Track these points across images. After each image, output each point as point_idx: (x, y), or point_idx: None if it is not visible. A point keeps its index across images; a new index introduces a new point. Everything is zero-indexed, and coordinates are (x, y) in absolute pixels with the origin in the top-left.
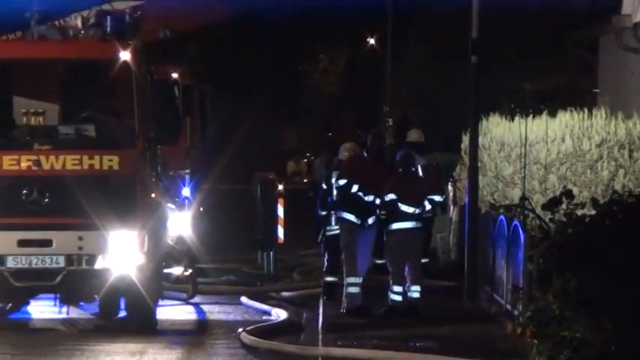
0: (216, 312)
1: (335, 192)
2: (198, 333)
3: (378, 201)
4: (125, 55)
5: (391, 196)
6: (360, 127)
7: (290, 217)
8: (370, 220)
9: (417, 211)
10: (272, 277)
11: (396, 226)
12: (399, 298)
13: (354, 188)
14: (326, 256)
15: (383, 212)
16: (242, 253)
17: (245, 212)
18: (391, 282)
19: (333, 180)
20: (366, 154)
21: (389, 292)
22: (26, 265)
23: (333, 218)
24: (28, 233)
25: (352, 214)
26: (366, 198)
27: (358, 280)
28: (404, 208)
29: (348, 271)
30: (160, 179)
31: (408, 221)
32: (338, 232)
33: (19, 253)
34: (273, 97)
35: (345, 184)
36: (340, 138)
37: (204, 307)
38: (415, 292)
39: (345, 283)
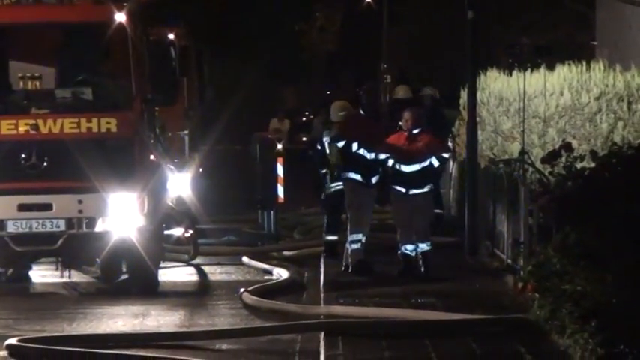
0: (217, 272)
1: (334, 153)
2: (200, 294)
3: (379, 157)
4: (120, 17)
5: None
6: (359, 85)
7: (289, 177)
8: (374, 180)
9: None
10: (273, 236)
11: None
12: (411, 253)
13: (354, 147)
14: (326, 214)
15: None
16: (242, 213)
17: (244, 172)
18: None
19: (325, 139)
20: (362, 112)
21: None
22: (27, 230)
23: (329, 177)
24: (27, 198)
25: (358, 173)
26: (368, 156)
27: (361, 237)
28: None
29: (351, 229)
30: (159, 141)
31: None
32: (339, 188)
33: (19, 217)
34: (271, 57)
35: (345, 145)
36: (332, 97)
37: (206, 268)
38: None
39: (348, 239)
